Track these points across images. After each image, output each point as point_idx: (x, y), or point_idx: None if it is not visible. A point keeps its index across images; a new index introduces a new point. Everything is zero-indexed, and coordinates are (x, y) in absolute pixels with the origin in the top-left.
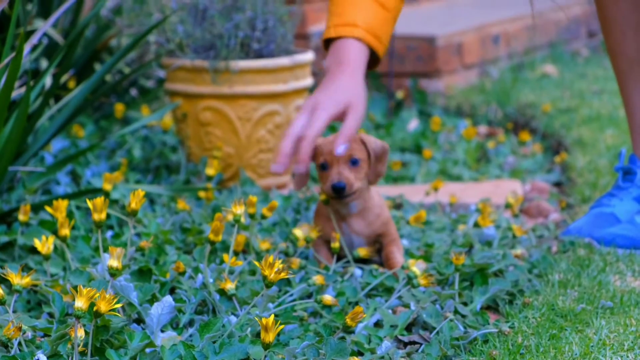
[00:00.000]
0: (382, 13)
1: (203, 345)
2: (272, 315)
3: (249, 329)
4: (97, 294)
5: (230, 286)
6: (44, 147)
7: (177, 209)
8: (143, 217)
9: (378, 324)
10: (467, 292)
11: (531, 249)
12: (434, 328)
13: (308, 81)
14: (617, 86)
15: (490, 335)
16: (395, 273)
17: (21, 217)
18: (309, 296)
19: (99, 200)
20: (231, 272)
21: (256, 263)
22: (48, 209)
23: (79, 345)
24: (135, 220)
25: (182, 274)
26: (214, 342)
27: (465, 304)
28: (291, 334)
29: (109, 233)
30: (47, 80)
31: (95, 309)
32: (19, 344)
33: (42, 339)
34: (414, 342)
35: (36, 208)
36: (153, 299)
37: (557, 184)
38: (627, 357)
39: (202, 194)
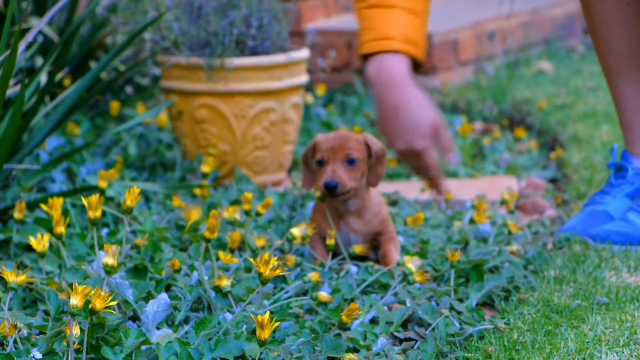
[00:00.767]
0: (414, 20)
1: (198, 342)
2: (268, 312)
3: (245, 326)
4: (93, 292)
5: (225, 283)
6: (39, 145)
7: (172, 207)
8: (138, 214)
9: (374, 321)
10: (463, 289)
11: (527, 245)
12: (430, 324)
13: (303, 78)
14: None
15: (485, 332)
16: (391, 270)
17: (16, 214)
18: (305, 293)
19: (94, 197)
20: (226, 270)
21: (252, 260)
22: (43, 206)
23: (74, 343)
24: (130, 217)
25: (178, 271)
26: (210, 340)
27: (460, 300)
28: (287, 331)
29: (105, 231)
30: (42, 78)
31: (90, 306)
32: (15, 341)
33: (38, 337)
34: (409, 339)
35: (31, 206)
36: (148, 297)
37: (553, 180)
38: (623, 353)
39: (197, 191)
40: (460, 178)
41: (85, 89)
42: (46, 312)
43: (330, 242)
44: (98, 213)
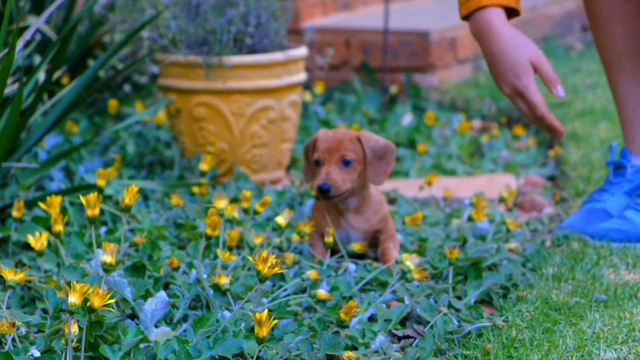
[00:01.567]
0: None
1: (197, 340)
2: (266, 310)
3: (243, 323)
4: (91, 290)
5: (224, 281)
6: (38, 143)
7: (170, 205)
8: (137, 212)
9: (372, 319)
10: (461, 286)
11: (525, 242)
12: (428, 322)
13: (301, 76)
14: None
15: (484, 329)
16: (389, 267)
17: (15, 213)
18: (303, 291)
19: (93, 196)
20: (225, 267)
21: (250, 258)
22: (42, 205)
23: (72, 341)
24: (128, 216)
25: (176, 269)
26: (208, 337)
27: (459, 298)
28: (285, 329)
29: (103, 229)
30: (40, 77)
31: (88, 304)
32: (13, 340)
33: (36, 335)
34: (408, 337)
35: (30, 204)
36: (147, 295)
37: (551, 178)
38: (621, 350)
39: (195, 189)
40: (459, 176)
41: (83, 87)
42: (44, 311)
43: (329, 239)
44: (96, 211)
